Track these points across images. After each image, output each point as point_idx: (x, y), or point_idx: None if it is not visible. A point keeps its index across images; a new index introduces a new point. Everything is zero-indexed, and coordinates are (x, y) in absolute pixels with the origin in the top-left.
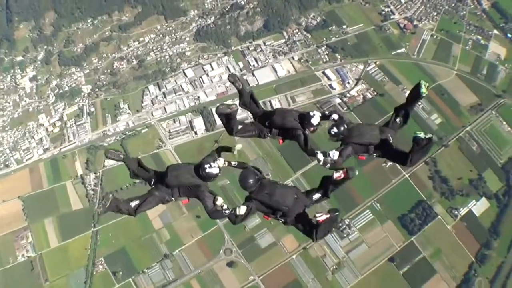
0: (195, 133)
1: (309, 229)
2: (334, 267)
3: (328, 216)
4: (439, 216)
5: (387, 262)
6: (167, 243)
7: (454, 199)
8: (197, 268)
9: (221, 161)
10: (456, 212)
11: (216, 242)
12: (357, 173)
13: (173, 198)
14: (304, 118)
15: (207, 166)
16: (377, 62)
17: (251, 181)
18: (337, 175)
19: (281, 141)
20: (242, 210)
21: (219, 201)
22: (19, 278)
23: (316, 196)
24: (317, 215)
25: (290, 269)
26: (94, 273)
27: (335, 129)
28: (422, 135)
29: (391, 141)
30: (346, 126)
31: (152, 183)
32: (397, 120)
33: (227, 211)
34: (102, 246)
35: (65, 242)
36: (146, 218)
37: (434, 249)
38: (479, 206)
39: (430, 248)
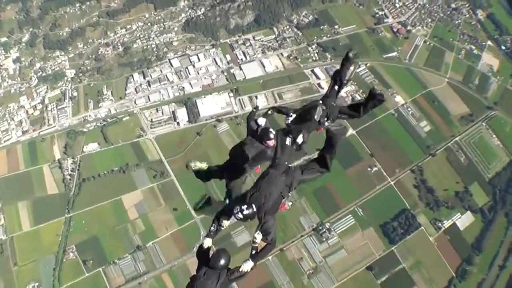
0: (178, 123)
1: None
2: (311, 271)
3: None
4: (422, 227)
5: (366, 270)
6: (141, 234)
7: (438, 210)
8: (170, 262)
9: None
10: (439, 224)
11: (191, 236)
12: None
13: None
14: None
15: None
16: (368, 64)
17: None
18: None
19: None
20: None
21: None
22: None
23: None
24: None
25: (265, 270)
26: (64, 260)
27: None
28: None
29: (334, 104)
30: (293, 117)
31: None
32: (335, 87)
33: None
34: (74, 233)
35: (38, 226)
36: (122, 207)
37: (415, 260)
38: (463, 220)
39: (410, 259)
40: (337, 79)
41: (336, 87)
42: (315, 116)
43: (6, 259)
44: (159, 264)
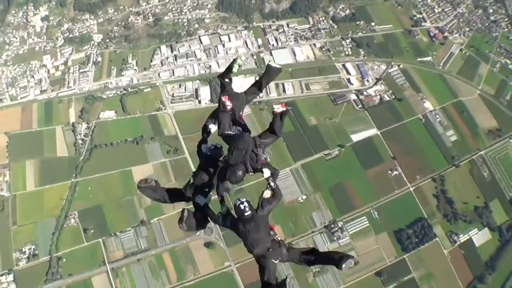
0: (199, 101)
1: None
2: (317, 269)
3: (284, 109)
4: (437, 238)
5: (374, 276)
6: (146, 209)
7: (456, 223)
8: (173, 242)
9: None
10: (455, 238)
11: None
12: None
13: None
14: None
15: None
16: (400, 66)
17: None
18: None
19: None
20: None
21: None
22: None
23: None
24: (274, 106)
25: None
26: (65, 226)
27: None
28: (272, 63)
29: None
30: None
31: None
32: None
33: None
34: (78, 199)
35: (42, 187)
36: (131, 179)
37: (426, 271)
38: (480, 236)
39: (421, 269)
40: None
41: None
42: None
43: (5, 217)
44: (161, 243)
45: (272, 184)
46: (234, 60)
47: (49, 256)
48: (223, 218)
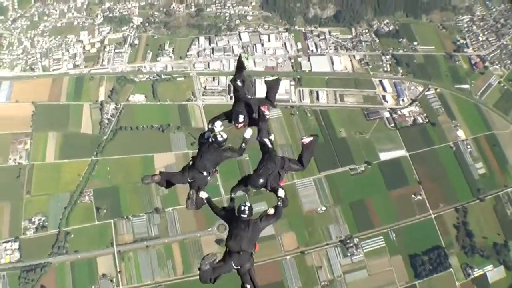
0: (231, 97)
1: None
2: (326, 283)
3: (311, 138)
4: (451, 269)
5: None
6: (163, 197)
7: (472, 256)
8: (184, 234)
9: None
10: (470, 271)
11: (213, 214)
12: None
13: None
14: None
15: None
16: (438, 90)
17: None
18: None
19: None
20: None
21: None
22: (1, 181)
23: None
24: (303, 139)
25: (279, 268)
26: (78, 202)
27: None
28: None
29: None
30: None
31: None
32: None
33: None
34: (96, 178)
35: (61, 161)
36: (151, 165)
37: None
38: (495, 273)
39: None
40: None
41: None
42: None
43: (20, 184)
44: (172, 232)
45: (279, 203)
46: (240, 56)
47: (58, 230)
48: (225, 212)
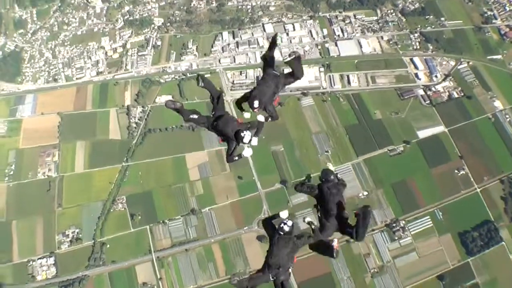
0: None
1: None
2: (375, 270)
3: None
4: (503, 243)
5: (436, 279)
6: (198, 197)
7: None
8: (224, 233)
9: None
10: None
11: (252, 210)
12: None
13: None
14: (237, 134)
15: (242, 134)
16: (470, 63)
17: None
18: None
19: (220, 140)
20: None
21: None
22: (32, 196)
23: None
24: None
25: (326, 260)
26: (111, 210)
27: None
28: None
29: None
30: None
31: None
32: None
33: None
34: (128, 184)
35: (91, 170)
36: (183, 166)
37: (491, 277)
38: None
39: (486, 275)
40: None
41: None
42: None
43: (51, 198)
44: (211, 233)
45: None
46: (276, 35)
47: (93, 241)
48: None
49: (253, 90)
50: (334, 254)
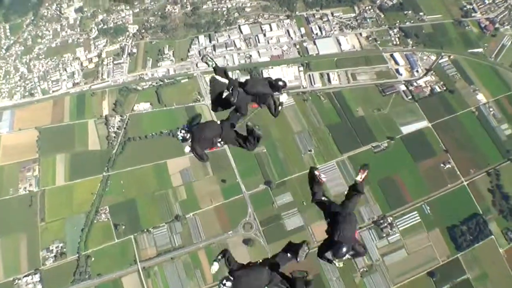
0: None
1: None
2: (365, 269)
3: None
4: (492, 236)
5: (426, 276)
6: (182, 203)
7: None
8: (209, 239)
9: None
10: (511, 236)
11: (237, 213)
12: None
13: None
14: (272, 84)
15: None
16: (451, 57)
17: None
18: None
19: (254, 105)
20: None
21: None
22: (14, 212)
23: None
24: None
25: (314, 260)
26: (95, 221)
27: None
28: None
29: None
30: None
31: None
32: None
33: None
34: (110, 194)
35: (72, 182)
36: (165, 172)
37: (481, 272)
38: None
39: (476, 270)
40: None
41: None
42: None
43: (33, 213)
44: (197, 239)
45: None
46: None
47: (78, 255)
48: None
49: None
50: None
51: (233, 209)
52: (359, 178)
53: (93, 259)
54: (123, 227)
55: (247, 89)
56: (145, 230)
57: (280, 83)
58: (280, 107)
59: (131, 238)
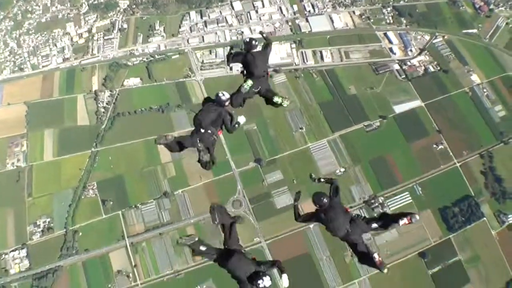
0: (230, 68)
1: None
2: None
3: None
4: (484, 218)
5: (417, 257)
6: (170, 180)
7: (504, 203)
8: (198, 216)
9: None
10: (503, 218)
11: (226, 190)
12: (418, 218)
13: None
14: (252, 279)
15: (259, 281)
16: (445, 37)
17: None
18: (403, 222)
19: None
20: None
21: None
22: (1, 187)
23: (375, 225)
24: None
25: (304, 240)
26: (82, 197)
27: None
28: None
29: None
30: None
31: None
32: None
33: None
34: (98, 169)
35: (60, 157)
36: (155, 148)
37: (473, 254)
38: None
39: (468, 251)
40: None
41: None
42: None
43: (21, 188)
44: (185, 216)
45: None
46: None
47: (65, 230)
48: None
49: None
50: (382, 270)
51: (222, 186)
52: (377, 259)
53: (80, 234)
54: (111, 203)
55: (226, 264)
56: (133, 206)
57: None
58: (237, 125)
59: (119, 214)
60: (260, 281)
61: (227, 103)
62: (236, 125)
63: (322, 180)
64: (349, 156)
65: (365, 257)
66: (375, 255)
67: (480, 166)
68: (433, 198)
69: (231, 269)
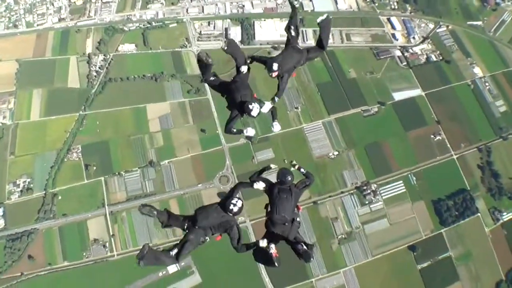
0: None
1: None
2: (343, 236)
3: (325, 17)
4: (479, 214)
5: (407, 250)
6: (157, 150)
7: (500, 199)
8: (183, 189)
9: (240, 202)
10: (498, 215)
11: (214, 165)
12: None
13: (207, 238)
14: (244, 104)
15: (231, 205)
16: (449, 27)
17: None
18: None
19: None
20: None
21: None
22: None
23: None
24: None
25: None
26: (65, 160)
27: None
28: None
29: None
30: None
31: (185, 228)
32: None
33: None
34: (84, 133)
35: (47, 118)
36: (144, 116)
37: (464, 250)
38: None
39: (459, 248)
40: (291, 29)
41: (294, 34)
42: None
43: (4, 146)
44: (169, 188)
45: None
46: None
47: (44, 192)
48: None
49: (274, 57)
50: (276, 263)
51: (210, 160)
52: (273, 251)
53: (60, 197)
54: (94, 168)
55: (231, 88)
56: (117, 173)
57: (252, 112)
58: (235, 130)
59: (101, 180)
60: (251, 106)
61: (235, 210)
62: (234, 131)
63: (302, 170)
64: (344, 139)
65: (262, 254)
66: (272, 246)
67: (477, 160)
68: (428, 189)
69: (233, 89)
